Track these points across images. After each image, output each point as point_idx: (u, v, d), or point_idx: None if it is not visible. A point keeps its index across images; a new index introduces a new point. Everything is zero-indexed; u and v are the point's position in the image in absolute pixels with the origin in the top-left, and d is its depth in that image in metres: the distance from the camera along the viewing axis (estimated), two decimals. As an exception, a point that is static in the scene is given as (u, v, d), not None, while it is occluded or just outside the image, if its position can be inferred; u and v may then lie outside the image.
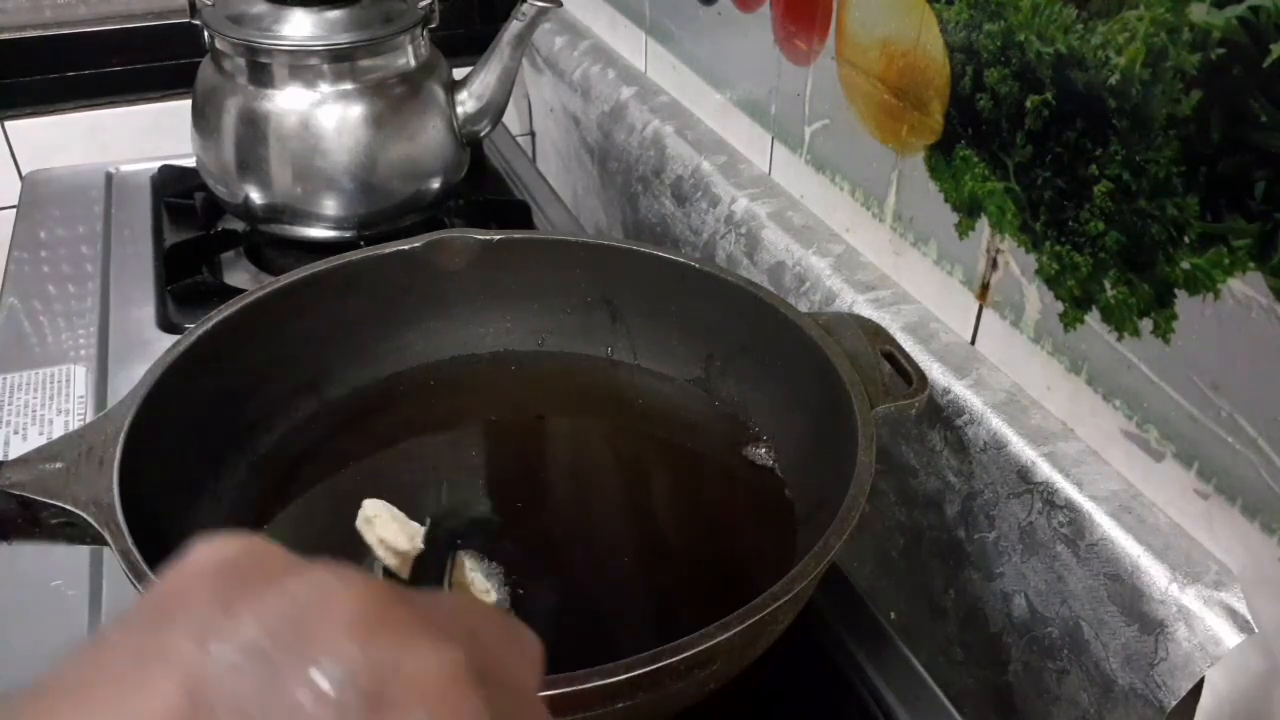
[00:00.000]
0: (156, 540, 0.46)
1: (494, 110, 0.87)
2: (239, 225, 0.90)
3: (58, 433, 0.68)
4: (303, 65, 0.80)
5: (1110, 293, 0.49)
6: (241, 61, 0.81)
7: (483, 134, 0.88)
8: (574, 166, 1.11)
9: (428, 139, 0.85)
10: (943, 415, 0.58)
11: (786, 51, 0.73)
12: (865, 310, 0.64)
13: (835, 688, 0.54)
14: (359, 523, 0.52)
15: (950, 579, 0.61)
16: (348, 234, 0.85)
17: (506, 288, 0.67)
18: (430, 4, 0.86)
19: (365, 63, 0.82)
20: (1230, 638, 0.44)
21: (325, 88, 0.81)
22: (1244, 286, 0.42)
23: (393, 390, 0.65)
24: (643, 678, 0.38)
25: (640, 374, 0.67)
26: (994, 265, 0.57)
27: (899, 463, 0.63)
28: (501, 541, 0.54)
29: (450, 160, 0.88)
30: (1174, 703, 0.46)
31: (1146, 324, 0.48)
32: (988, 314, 0.59)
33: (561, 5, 0.85)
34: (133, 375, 0.54)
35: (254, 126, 0.81)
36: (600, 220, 1.06)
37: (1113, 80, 0.46)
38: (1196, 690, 0.46)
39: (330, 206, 0.83)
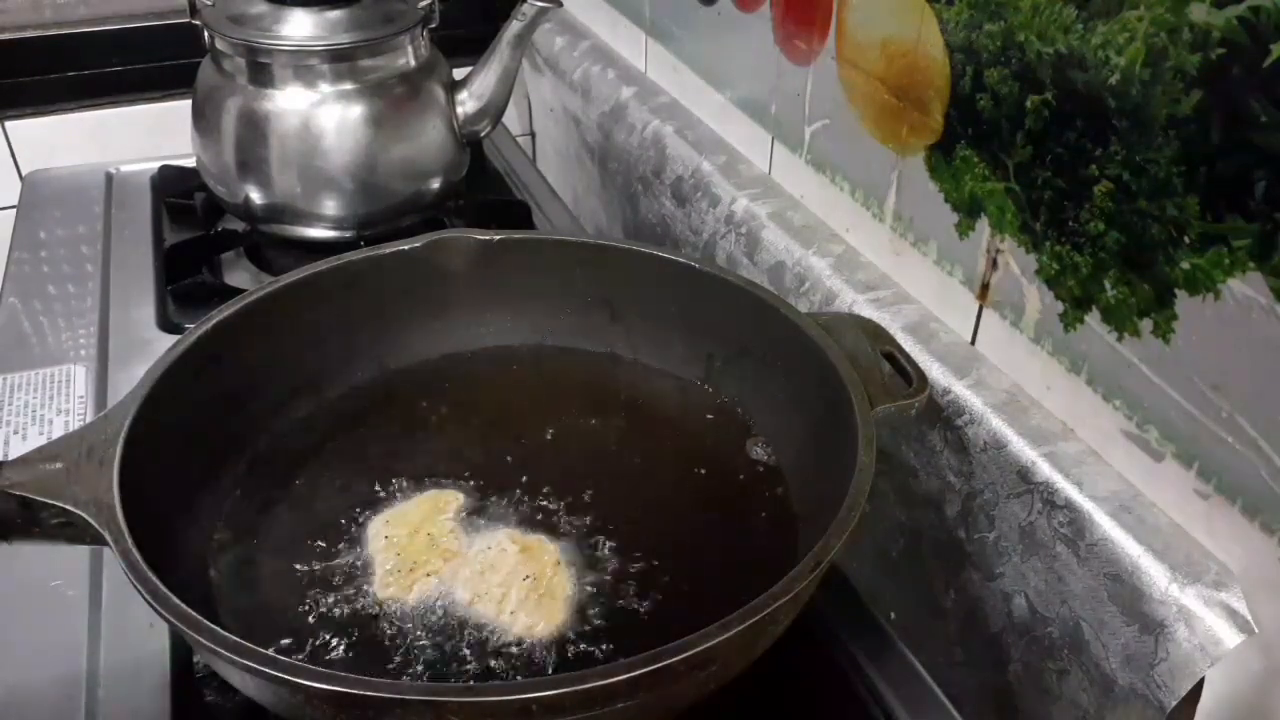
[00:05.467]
0: (156, 540, 0.46)
1: (494, 110, 0.87)
2: (239, 225, 0.90)
3: (58, 433, 0.68)
4: (303, 65, 0.80)
5: (1110, 293, 0.49)
6: (241, 61, 0.81)
7: (483, 134, 0.88)
8: (574, 166, 1.11)
9: (428, 139, 0.85)
10: (943, 415, 0.58)
11: (786, 51, 0.73)
12: (865, 310, 0.64)
13: (835, 688, 0.54)
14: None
15: (950, 579, 0.60)
16: (348, 234, 0.85)
17: (507, 287, 0.67)
18: (430, 4, 0.86)
19: (365, 63, 0.82)
20: (1230, 638, 0.44)
21: (325, 88, 0.81)
22: (1244, 286, 0.42)
23: (393, 390, 0.65)
24: (643, 678, 0.38)
25: (641, 373, 0.67)
26: (994, 265, 0.57)
27: (899, 463, 0.63)
28: (501, 541, 0.55)
29: (450, 160, 0.88)
30: (1174, 703, 0.46)
31: (1146, 324, 0.48)
32: (988, 314, 0.59)
33: (561, 5, 0.85)
34: (133, 375, 0.55)
35: (254, 126, 0.81)
36: (600, 220, 1.06)
37: (1113, 80, 0.46)
38: (1196, 690, 0.46)
39: (330, 206, 0.83)
